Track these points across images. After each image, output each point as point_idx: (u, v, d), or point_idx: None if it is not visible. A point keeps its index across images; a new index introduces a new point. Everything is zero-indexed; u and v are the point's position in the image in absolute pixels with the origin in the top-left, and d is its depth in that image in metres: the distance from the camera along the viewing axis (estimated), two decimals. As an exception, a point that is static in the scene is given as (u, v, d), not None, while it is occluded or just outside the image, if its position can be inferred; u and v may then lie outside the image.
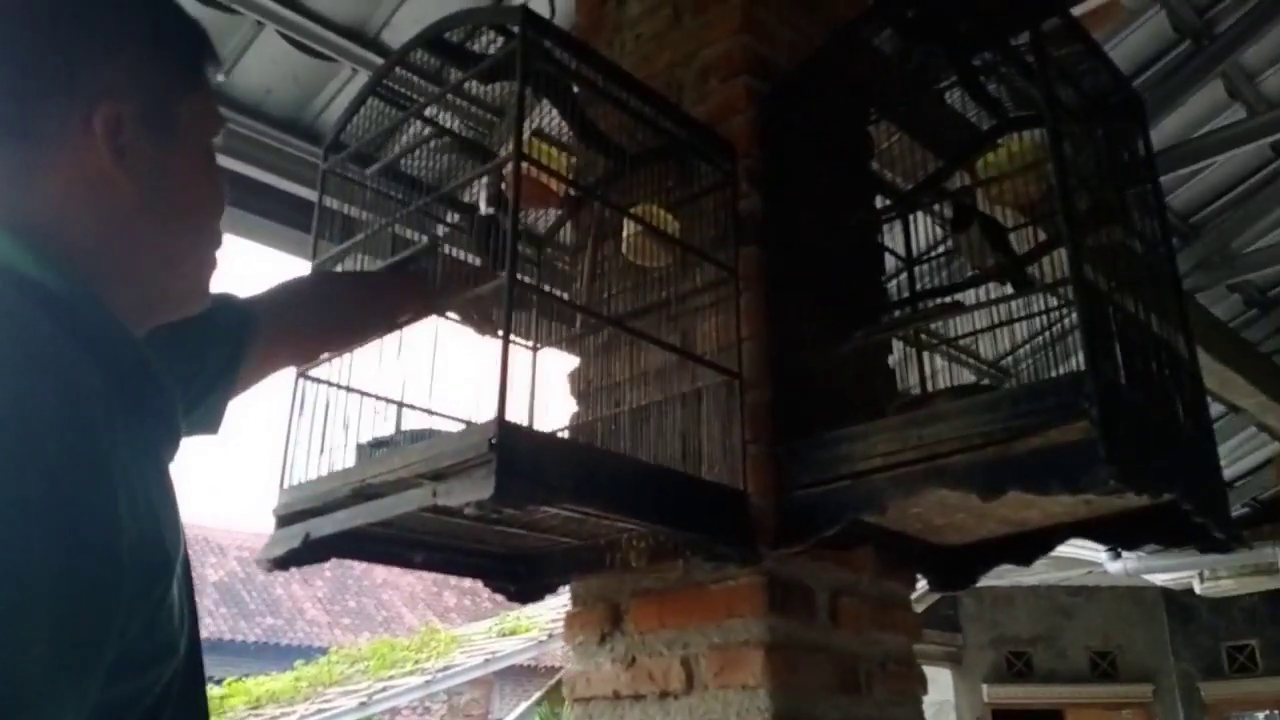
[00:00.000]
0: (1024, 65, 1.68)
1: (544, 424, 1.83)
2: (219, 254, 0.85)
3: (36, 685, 0.53)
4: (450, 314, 1.46)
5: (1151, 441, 1.34)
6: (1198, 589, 6.67)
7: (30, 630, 0.53)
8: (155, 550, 0.65)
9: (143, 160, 0.75)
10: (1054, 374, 1.96)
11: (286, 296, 1.24)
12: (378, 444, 1.39)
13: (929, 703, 1.76)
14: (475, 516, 1.24)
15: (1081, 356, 1.28)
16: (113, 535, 0.59)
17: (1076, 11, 2.44)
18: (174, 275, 0.80)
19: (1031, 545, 1.68)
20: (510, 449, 1.17)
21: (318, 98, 2.63)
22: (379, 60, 2.44)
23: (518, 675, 12.70)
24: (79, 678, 0.56)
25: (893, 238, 1.98)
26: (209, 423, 1.04)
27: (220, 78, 0.85)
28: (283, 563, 1.41)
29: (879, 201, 1.96)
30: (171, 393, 0.75)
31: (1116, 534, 1.61)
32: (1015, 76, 1.79)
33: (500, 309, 1.27)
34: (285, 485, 1.43)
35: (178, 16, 0.83)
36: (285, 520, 1.41)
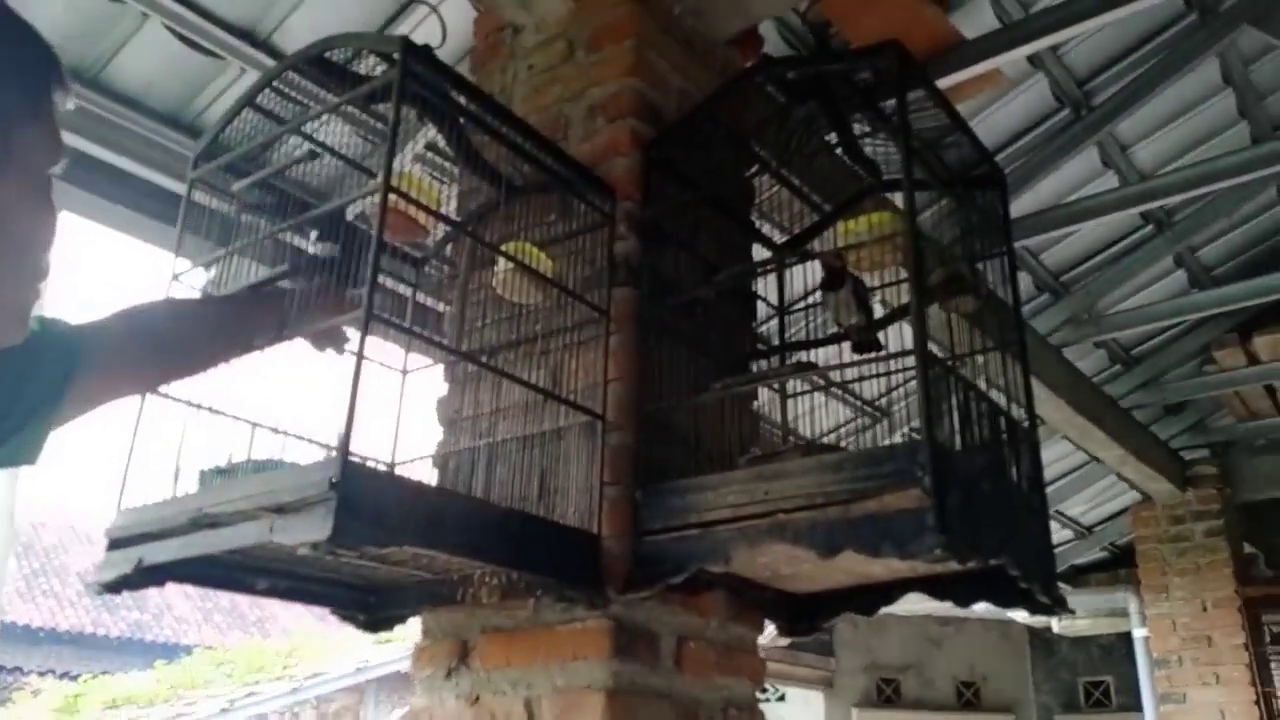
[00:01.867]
0: (893, 131, 1.74)
1: (409, 447, 1.82)
2: (42, 286, 0.81)
3: None
4: (306, 340, 1.44)
5: (982, 509, 1.39)
6: (1055, 628, 6.94)
7: None
8: None
9: None
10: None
11: (129, 327, 1.18)
12: (220, 471, 1.36)
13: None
14: (313, 554, 1.22)
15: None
16: None
17: (958, 78, 2.55)
18: None
19: (875, 597, 1.73)
20: (351, 489, 1.15)
21: (202, 94, 2.55)
22: (269, 61, 2.38)
23: (392, 683, 12.44)
24: None
25: (766, 285, 2.03)
26: (26, 453, 0.99)
27: (70, 105, 0.81)
28: (114, 587, 1.37)
29: (756, 250, 2.01)
30: None
31: (954, 591, 1.67)
32: (886, 144, 1.86)
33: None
34: (121, 506, 1.38)
35: (24, 39, 0.78)
36: (119, 544, 1.37)
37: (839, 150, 1.93)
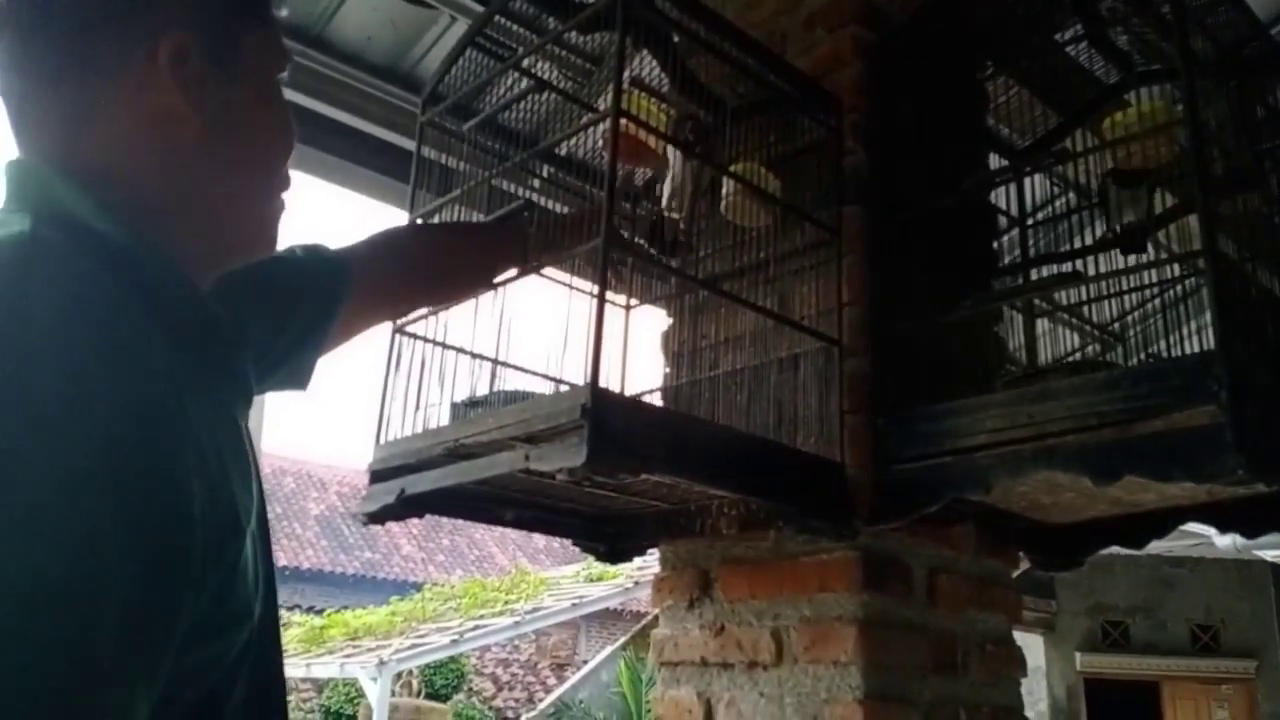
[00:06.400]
0: (1156, 14, 1.56)
1: (635, 384, 1.81)
2: (287, 196, 0.81)
3: (106, 669, 0.51)
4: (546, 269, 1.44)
5: (1285, 427, 1.24)
6: (1312, 566, 6.36)
7: (100, 611, 0.51)
8: (227, 511, 0.62)
9: (208, 94, 0.71)
10: (1165, 341, 1.86)
11: (383, 250, 1.21)
12: (472, 403, 1.38)
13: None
14: (568, 481, 1.23)
15: (1198, 324, 1.20)
16: (183, 501, 0.57)
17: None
18: (241, 217, 0.77)
19: (1144, 528, 1.60)
20: (602, 416, 1.14)
21: (416, 45, 2.62)
22: (477, 7, 2.41)
23: (604, 619, 12.92)
24: (150, 656, 0.54)
25: (1006, 198, 1.89)
26: (298, 378, 1.03)
27: (283, 12, 0.81)
28: (378, 517, 1.43)
29: (993, 159, 1.87)
30: (241, 349, 0.74)
31: (1238, 520, 1.52)
32: (1145, 27, 1.67)
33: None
34: (381, 440, 1.44)
35: None
36: (381, 476, 1.42)
37: (1077, 46, 1.76)
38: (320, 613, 11.22)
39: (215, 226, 0.75)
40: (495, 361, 1.48)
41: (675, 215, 1.58)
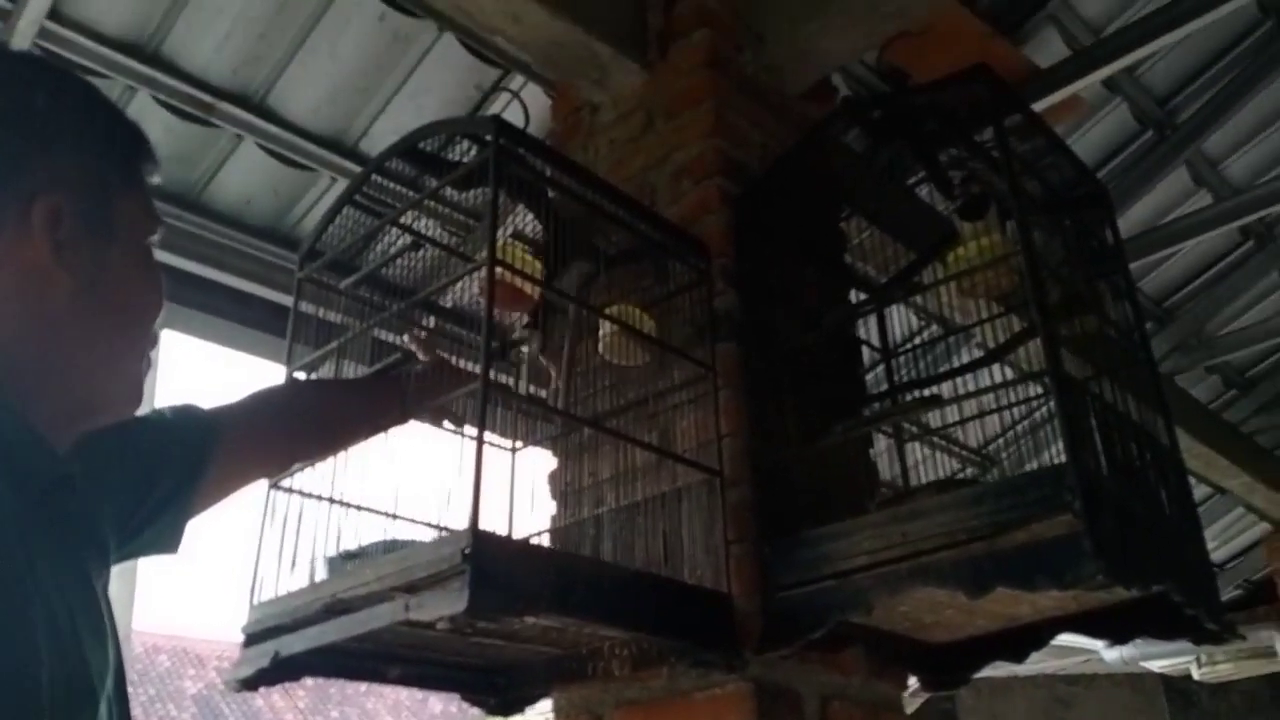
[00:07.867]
0: (990, 160, 1.71)
1: (523, 526, 1.80)
2: (153, 355, 0.82)
3: None
4: (429, 419, 1.44)
5: (1137, 533, 1.32)
6: (1195, 675, 6.55)
7: None
8: (79, 677, 0.60)
9: (80, 256, 0.72)
10: (1039, 459, 1.95)
11: (257, 409, 1.21)
12: (349, 556, 1.35)
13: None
14: (450, 630, 1.21)
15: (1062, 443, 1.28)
16: (30, 670, 0.55)
17: (1039, 107, 2.51)
18: (108, 376, 0.77)
19: (1024, 640, 1.64)
20: (484, 559, 1.14)
21: (297, 206, 2.65)
22: (357, 169, 2.46)
23: (509, 785, 12.27)
24: None
25: (868, 330, 1.99)
26: (168, 541, 1.00)
27: (156, 179, 0.83)
28: (252, 683, 1.36)
29: (854, 295, 1.97)
30: (97, 509, 0.72)
31: (1108, 627, 1.57)
32: (983, 171, 1.83)
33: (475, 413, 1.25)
34: (254, 601, 1.38)
35: (114, 117, 0.81)
36: (254, 639, 1.37)
37: (927, 188, 1.90)
38: (197, 801, 10.36)
39: (81, 385, 0.74)
40: (375, 512, 1.46)
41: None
